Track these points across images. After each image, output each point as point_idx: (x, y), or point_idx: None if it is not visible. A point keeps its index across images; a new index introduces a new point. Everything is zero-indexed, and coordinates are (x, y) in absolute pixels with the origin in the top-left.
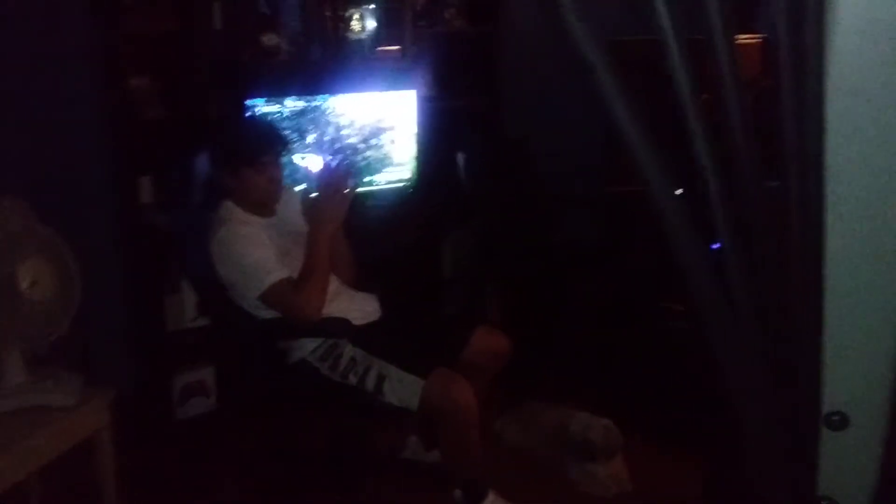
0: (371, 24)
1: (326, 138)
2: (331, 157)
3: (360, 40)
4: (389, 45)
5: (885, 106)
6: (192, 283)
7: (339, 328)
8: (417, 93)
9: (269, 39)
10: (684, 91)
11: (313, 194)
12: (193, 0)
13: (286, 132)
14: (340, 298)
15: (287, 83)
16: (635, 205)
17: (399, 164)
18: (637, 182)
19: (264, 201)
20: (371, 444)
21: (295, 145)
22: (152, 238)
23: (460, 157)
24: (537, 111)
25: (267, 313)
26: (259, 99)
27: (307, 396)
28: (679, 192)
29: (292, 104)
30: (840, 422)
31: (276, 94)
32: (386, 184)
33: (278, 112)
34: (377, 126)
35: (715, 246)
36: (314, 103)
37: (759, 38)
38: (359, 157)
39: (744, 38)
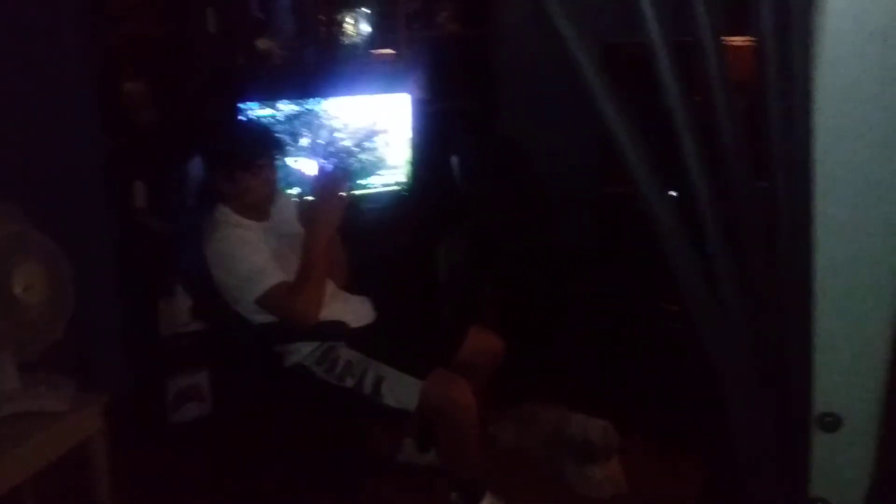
0: (365, 27)
1: (320, 142)
2: (325, 161)
3: (353, 44)
4: (383, 49)
5: (873, 109)
6: (187, 287)
7: (336, 331)
8: (411, 96)
9: (263, 43)
10: (672, 94)
11: (309, 197)
12: (188, 4)
13: (281, 136)
14: (335, 301)
15: (281, 87)
16: (631, 205)
17: (393, 167)
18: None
19: (259, 205)
20: (367, 447)
21: (289, 149)
22: (147, 242)
23: (455, 160)
24: (532, 113)
25: (263, 318)
26: (253, 102)
27: (303, 400)
28: (673, 194)
29: (286, 108)
30: (833, 423)
31: (271, 97)
32: (381, 187)
33: (272, 116)
34: (371, 129)
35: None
36: (308, 107)
37: (752, 40)
38: (353, 161)
39: (737, 40)
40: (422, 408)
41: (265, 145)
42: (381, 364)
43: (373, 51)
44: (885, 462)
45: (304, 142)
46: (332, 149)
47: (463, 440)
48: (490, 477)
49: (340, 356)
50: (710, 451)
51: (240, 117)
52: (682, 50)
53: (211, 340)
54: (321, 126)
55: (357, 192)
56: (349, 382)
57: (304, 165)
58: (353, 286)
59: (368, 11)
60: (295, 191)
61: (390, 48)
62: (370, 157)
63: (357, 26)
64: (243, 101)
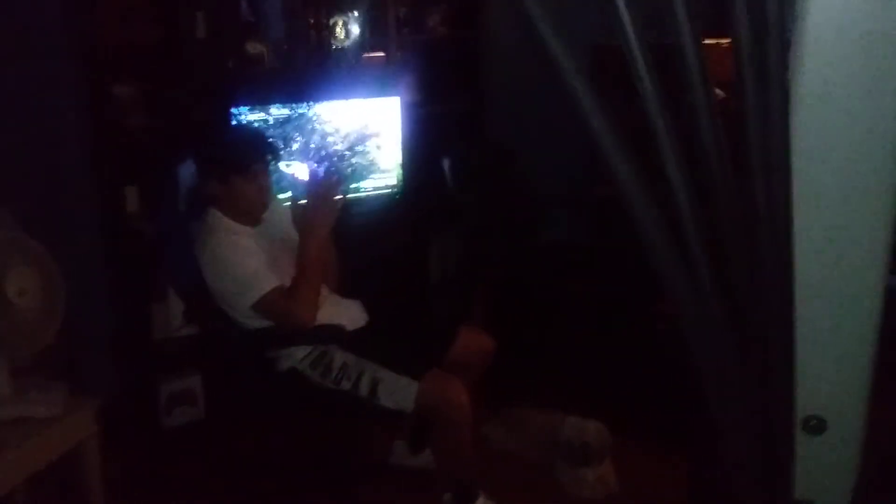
0: (355, 31)
1: (312, 146)
2: (317, 165)
3: (344, 47)
4: (374, 52)
5: (851, 112)
6: (179, 292)
7: (334, 334)
8: (402, 99)
9: (253, 48)
10: (650, 98)
11: (302, 201)
12: (177, 9)
13: (273, 140)
14: (327, 305)
15: (272, 91)
16: (622, 207)
17: (385, 171)
18: None
19: (252, 210)
20: (360, 450)
21: (281, 153)
22: (138, 246)
23: (446, 162)
24: (522, 115)
25: (257, 323)
26: (244, 107)
27: (298, 405)
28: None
29: (277, 112)
30: (818, 426)
31: (261, 101)
32: (372, 190)
33: (263, 120)
34: (362, 133)
35: None
36: (299, 111)
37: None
38: (344, 164)
39: (725, 42)
40: (418, 408)
41: (260, 150)
42: (377, 366)
43: (363, 54)
44: (869, 464)
45: (295, 146)
46: (323, 152)
47: (458, 440)
48: (482, 478)
49: (335, 359)
50: (697, 453)
51: (232, 122)
52: (662, 52)
53: (203, 345)
54: (312, 130)
55: (349, 196)
56: (345, 385)
57: (296, 169)
58: (344, 289)
59: (359, 15)
60: (287, 195)
61: (381, 51)
62: (361, 161)
63: (347, 30)
64: (234, 105)
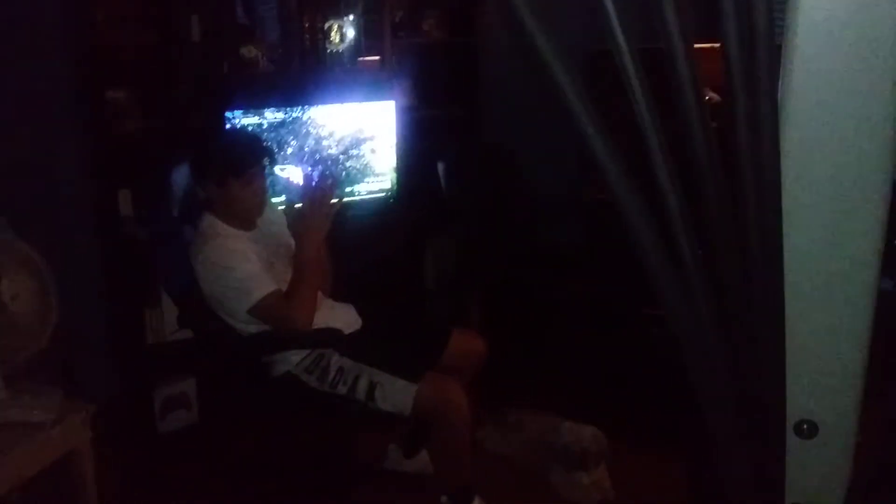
0: (350, 34)
1: (306, 149)
2: (311, 169)
3: (339, 51)
4: (369, 56)
5: (841, 118)
6: (172, 296)
7: (331, 338)
8: (397, 103)
9: (248, 51)
10: (640, 102)
11: (298, 205)
12: (172, 12)
13: (268, 143)
14: (322, 309)
15: (267, 94)
16: (616, 211)
17: (379, 175)
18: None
19: (249, 213)
20: (355, 454)
21: (276, 156)
22: (132, 251)
23: (441, 166)
24: (517, 119)
25: (253, 328)
26: (239, 110)
27: (294, 409)
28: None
29: (272, 115)
30: (810, 430)
31: (256, 105)
32: (367, 194)
33: (258, 123)
34: (357, 136)
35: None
36: (294, 114)
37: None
38: (339, 168)
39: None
40: (417, 411)
41: (258, 153)
42: (374, 369)
43: (358, 58)
44: (861, 468)
45: (290, 149)
46: (318, 156)
47: (456, 442)
48: (477, 481)
49: (332, 363)
50: (693, 457)
51: (226, 125)
52: (654, 55)
53: (198, 349)
54: (307, 133)
55: (344, 200)
56: (341, 389)
57: (291, 173)
58: (338, 293)
59: (354, 19)
60: (281, 199)
61: (376, 55)
62: (356, 165)
63: (343, 33)
64: (229, 108)
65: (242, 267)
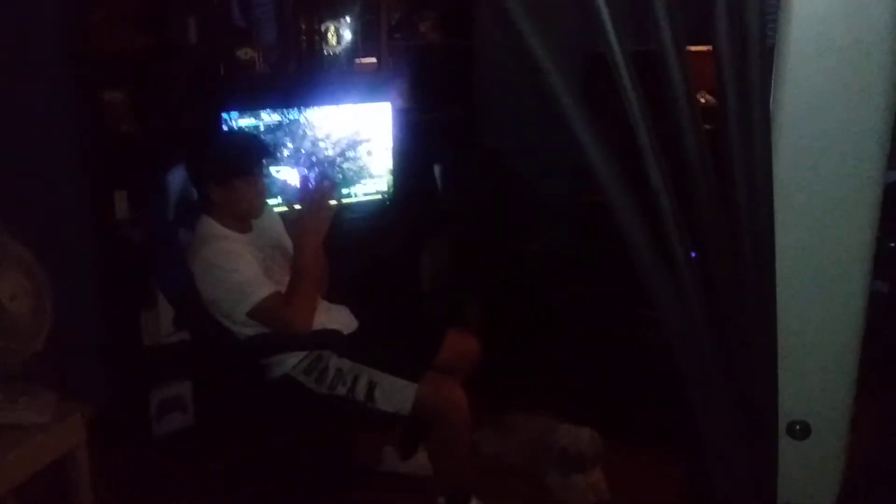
0: (347, 37)
1: (303, 151)
2: (308, 171)
3: (335, 53)
4: (365, 58)
5: (834, 119)
6: (169, 298)
7: (332, 339)
8: (393, 105)
9: (244, 53)
10: (633, 104)
11: (298, 207)
12: (168, 14)
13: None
14: (318, 311)
15: (263, 96)
16: (609, 211)
17: (375, 177)
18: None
19: (250, 213)
20: (352, 457)
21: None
22: (128, 253)
23: (437, 168)
24: (513, 121)
25: (250, 330)
26: (235, 112)
27: (293, 411)
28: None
29: (268, 118)
30: (802, 431)
31: (253, 107)
32: (363, 196)
33: (255, 125)
34: (353, 138)
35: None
36: (290, 116)
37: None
38: (335, 170)
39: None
40: (417, 410)
41: (261, 153)
42: (373, 370)
43: (355, 60)
44: (853, 469)
45: (286, 151)
46: (314, 158)
47: (456, 442)
48: (474, 484)
49: (330, 365)
50: (687, 458)
51: (224, 127)
52: (647, 58)
53: (194, 351)
54: (303, 136)
55: (340, 201)
56: (340, 391)
57: (287, 175)
58: (332, 295)
59: (350, 21)
60: (277, 200)
61: (372, 57)
62: (352, 167)
63: (339, 35)
64: (225, 110)
65: (241, 269)
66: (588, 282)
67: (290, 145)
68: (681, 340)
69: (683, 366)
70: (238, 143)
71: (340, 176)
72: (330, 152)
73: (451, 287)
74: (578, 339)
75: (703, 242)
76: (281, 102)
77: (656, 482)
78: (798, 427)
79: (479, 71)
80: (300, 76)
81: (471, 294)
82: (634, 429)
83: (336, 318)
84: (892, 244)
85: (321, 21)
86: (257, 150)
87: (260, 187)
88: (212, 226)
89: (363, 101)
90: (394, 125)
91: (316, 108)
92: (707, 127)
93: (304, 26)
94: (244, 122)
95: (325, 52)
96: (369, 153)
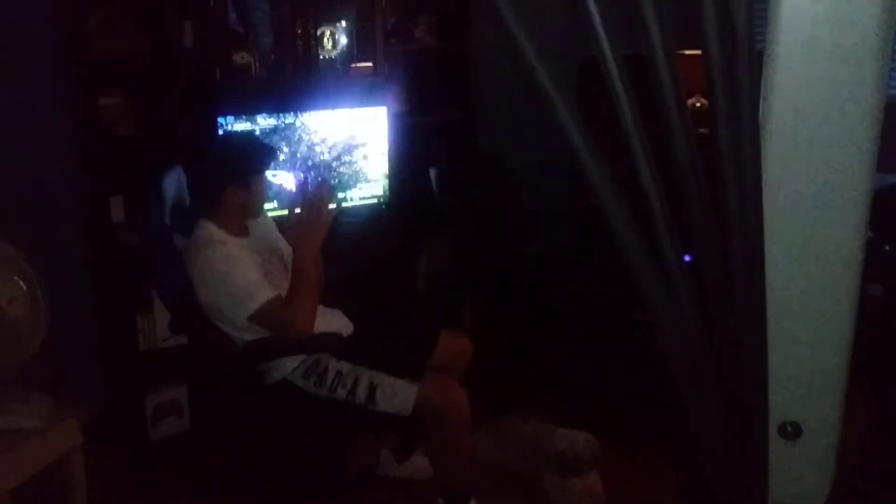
0: (343, 41)
1: (299, 156)
2: (304, 175)
3: (331, 58)
4: (361, 62)
5: (823, 121)
6: (165, 303)
7: (333, 342)
8: (389, 109)
9: (241, 57)
10: (623, 107)
11: (297, 210)
12: (165, 18)
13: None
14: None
15: (259, 101)
16: (602, 214)
17: (372, 181)
18: None
19: (248, 218)
20: (350, 458)
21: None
22: (124, 257)
23: (433, 172)
24: (509, 125)
25: (248, 335)
26: (231, 117)
27: (292, 415)
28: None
29: (264, 122)
30: (793, 431)
31: (248, 111)
32: (359, 200)
33: (251, 130)
34: (349, 143)
35: (686, 258)
36: (286, 121)
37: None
38: (332, 174)
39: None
40: (417, 411)
41: (267, 156)
42: (374, 371)
43: (351, 64)
44: (844, 469)
45: (282, 156)
46: (310, 162)
47: (456, 442)
48: (473, 484)
49: (329, 368)
50: (682, 460)
51: (230, 130)
52: (638, 61)
53: (191, 356)
54: (300, 140)
55: (339, 205)
56: (340, 394)
57: (283, 179)
58: (327, 299)
59: (346, 25)
60: (273, 205)
61: (368, 62)
62: (349, 171)
63: (335, 40)
64: (221, 115)
65: (242, 273)
66: (585, 284)
67: (286, 149)
68: (672, 341)
69: (675, 367)
70: (245, 147)
71: (337, 180)
72: (326, 156)
73: (448, 291)
74: (575, 342)
75: (694, 244)
76: (277, 107)
77: (653, 485)
78: (789, 427)
79: (475, 75)
80: (296, 80)
81: (467, 297)
82: (631, 432)
83: (332, 321)
84: (887, 247)
85: (317, 26)
86: (265, 153)
87: (262, 190)
88: (212, 230)
89: (359, 105)
90: (390, 129)
91: (312, 112)
92: (702, 131)
93: (300, 31)
94: (240, 126)
95: (321, 57)
96: (365, 157)
